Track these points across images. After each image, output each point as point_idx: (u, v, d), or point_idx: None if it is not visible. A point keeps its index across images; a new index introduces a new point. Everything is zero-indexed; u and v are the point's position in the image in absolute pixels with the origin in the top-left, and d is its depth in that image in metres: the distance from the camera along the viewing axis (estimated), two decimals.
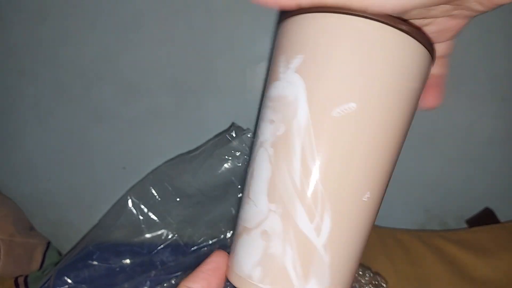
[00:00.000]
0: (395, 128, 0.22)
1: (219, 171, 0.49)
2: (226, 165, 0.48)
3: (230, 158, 0.48)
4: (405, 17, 0.23)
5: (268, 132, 0.22)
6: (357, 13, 0.20)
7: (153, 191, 0.49)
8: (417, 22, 0.24)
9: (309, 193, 0.21)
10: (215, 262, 0.24)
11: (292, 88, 0.21)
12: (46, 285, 0.46)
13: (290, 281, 0.21)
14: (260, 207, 0.22)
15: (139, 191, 0.49)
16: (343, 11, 0.20)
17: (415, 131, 0.51)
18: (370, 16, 0.20)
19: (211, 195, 0.49)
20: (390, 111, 0.21)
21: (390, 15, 0.20)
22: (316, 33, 0.21)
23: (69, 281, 0.46)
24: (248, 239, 0.22)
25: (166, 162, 0.51)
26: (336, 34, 0.21)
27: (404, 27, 0.20)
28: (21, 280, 0.50)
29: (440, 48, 0.26)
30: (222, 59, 0.50)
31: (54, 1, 0.48)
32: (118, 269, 0.47)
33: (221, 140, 0.49)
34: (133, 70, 0.51)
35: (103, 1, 0.48)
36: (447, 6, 0.22)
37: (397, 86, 0.21)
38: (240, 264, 0.23)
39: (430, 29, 0.24)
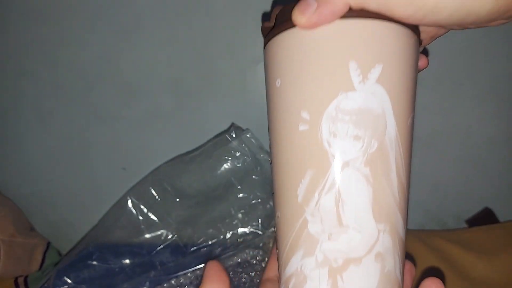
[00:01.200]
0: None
1: (219, 172, 0.49)
2: (225, 166, 0.49)
3: (229, 158, 0.48)
4: None
5: (354, 150, 0.20)
6: (410, 25, 0.22)
7: (153, 192, 0.49)
8: None
9: (404, 202, 0.22)
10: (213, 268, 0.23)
11: (377, 100, 0.20)
12: (46, 285, 0.46)
13: (400, 286, 0.22)
14: (368, 231, 0.21)
15: (139, 192, 0.49)
16: (405, 22, 0.21)
17: (414, 132, 0.51)
18: (416, 31, 0.22)
19: (210, 195, 0.50)
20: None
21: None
22: (392, 42, 0.21)
23: (69, 281, 0.46)
24: (360, 268, 0.20)
25: (165, 162, 0.52)
26: (406, 44, 0.21)
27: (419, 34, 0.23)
28: (21, 280, 0.50)
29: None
30: (222, 60, 0.50)
31: (55, 2, 0.48)
32: (117, 269, 0.47)
33: (221, 140, 0.49)
34: (133, 71, 0.51)
35: (103, 2, 0.48)
36: None
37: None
38: None
39: (421, 36, 0.27)
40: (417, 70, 0.23)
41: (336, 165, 0.20)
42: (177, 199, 0.49)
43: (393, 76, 0.21)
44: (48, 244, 0.55)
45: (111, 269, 0.47)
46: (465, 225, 0.54)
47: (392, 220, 0.21)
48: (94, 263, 0.47)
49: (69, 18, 0.49)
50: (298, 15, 0.21)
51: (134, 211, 0.48)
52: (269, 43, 0.23)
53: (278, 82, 0.22)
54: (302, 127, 0.21)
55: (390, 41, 0.21)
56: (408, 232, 0.51)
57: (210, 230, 0.48)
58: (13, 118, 0.54)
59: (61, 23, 0.49)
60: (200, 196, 0.50)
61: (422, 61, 0.27)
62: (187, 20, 0.49)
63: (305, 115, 0.21)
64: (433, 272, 0.44)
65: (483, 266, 0.44)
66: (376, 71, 0.20)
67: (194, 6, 0.48)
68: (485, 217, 0.53)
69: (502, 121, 0.50)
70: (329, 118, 0.20)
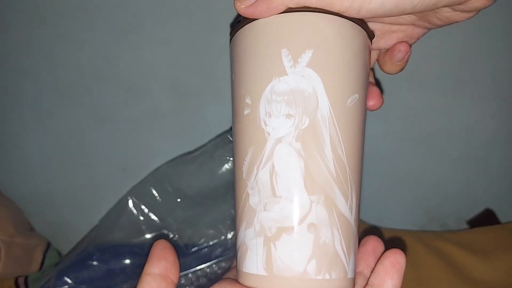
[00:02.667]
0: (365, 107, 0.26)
1: (220, 172, 0.49)
2: (226, 166, 0.48)
3: (230, 159, 0.48)
4: (378, 21, 0.28)
5: (287, 127, 0.22)
6: (344, 16, 0.23)
7: (154, 192, 0.49)
8: (386, 29, 0.28)
9: (342, 177, 0.23)
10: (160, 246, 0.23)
11: (308, 81, 0.22)
12: (46, 285, 0.46)
13: (341, 263, 0.22)
14: (300, 201, 0.22)
15: (139, 192, 0.49)
16: (334, 12, 0.23)
17: (415, 132, 0.51)
18: (356, 21, 0.24)
19: (211, 196, 0.49)
20: (365, 92, 0.25)
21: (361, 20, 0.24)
22: (323, 30, 0.22)
23: (69, 281, 0.46)
24: (292, 237, 0.22)
25: (166, 163, 0.51)
26: (338, 30, 0.23)
27: (368, 28, 0.25)
28: (21, 281, 0.50)
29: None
30: (222, 60, 0.50)
31: (54, 2, 0.48)
32: (118, 270, 0.47)
33: (222, 140, 0.49)
34: (133, 72, 0.51)
35: (103, 2, 0.48)
36: (412, 17, 0.26)
37: (367, 70, 0.25)
38: (287, 265, 0.22)
39: (398, 36, 0.28)
40: (358, 54, 0.24)
41: (270, 141, 0.22)
42: (178, 200, 0.49)
43: (325, 60, 0.22)
44: (48, 244, 0.56)
45: (111, 269, 0.47)
46: (466, 226, 0.54)
47: (327, 192, 0.22)
48: (95, 263, 0.47)
49: (68, 18, 0.49)
50: (237, 2, 0.23)
51: (135, 211, 0.48)
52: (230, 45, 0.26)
53: (232, 76, 0.25)
54: (246, 111, 0.24)
55: (320, 28, 0.22)
56: (409, 232, 0.51)
57: (211, 231, 0.48)
58: (13, 118, 0.53)
59: (60, 23, 0.49)
60: (200, 197, 0.50)
61: (375, 100, 0.29)
62: (187, 20, 0.48)
63: (248, 100, 0.24)
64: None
65: (484, 267, 0.44)
66: (306, 56, 0.22)
67: (194, 6, 0.48)
68: (486, 218, 0.53)
69: (503, 121, 0.50)
70: (265, 101, 0.23)
